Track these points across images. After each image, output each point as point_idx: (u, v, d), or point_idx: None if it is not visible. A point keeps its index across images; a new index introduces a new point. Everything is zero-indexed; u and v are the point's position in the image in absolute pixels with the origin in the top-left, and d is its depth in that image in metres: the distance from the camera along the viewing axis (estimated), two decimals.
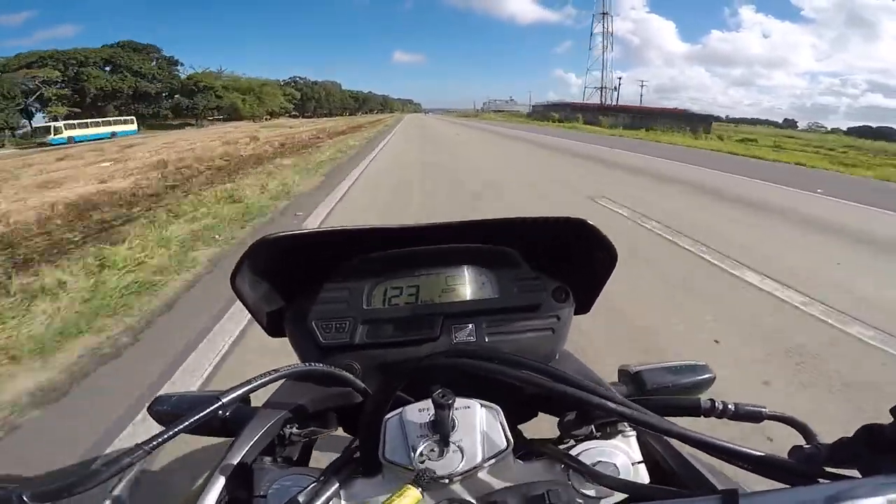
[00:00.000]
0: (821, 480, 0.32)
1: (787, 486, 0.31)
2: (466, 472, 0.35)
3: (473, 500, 0.34)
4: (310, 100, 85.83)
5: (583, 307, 0.60)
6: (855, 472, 0.31)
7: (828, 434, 0.37)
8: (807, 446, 0.36)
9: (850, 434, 0.32)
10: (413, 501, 0.32)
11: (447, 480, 0.35)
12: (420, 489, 0.33)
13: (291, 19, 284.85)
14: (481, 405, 0.39)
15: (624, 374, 0.55)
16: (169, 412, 0.52)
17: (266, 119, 61.77)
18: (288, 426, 0.47)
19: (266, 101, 63.06)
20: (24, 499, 0.30)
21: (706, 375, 0.55)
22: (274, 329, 0.58)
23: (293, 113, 77.74)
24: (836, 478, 0.32)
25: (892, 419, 0.30)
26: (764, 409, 0.41)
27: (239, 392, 0.40)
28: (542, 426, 0.53)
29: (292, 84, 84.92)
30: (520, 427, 0.51)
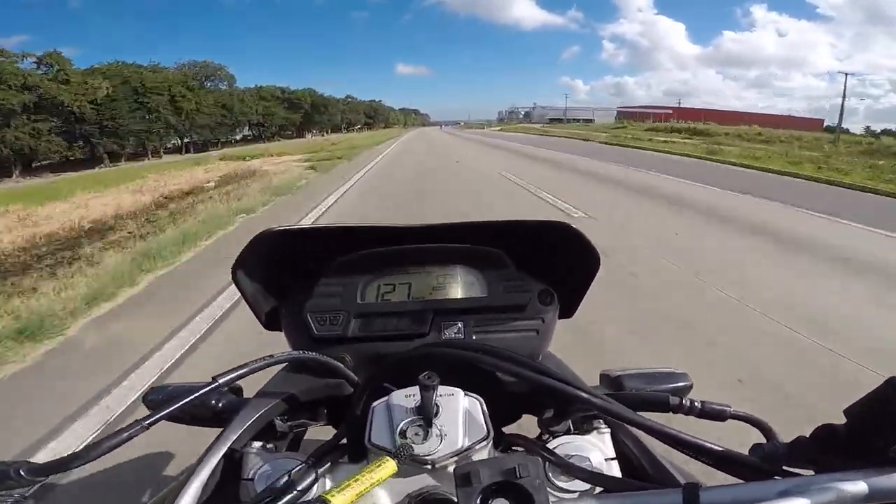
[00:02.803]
0: (777, 477, 0.33)
1: (745, 482, 0.32)
2: (446, 455, 0.36)
3: (451, 490, 0.32)
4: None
5: (567, 311, 0.61)
6: (811, 471, 0.32)
7: None
8: (766, 444, 0.36)
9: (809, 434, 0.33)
10: (389, 472, 0.33)
11: (428, 462, 0.36)
12: (397, 461, 0.34)
13: (289, 34, 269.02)
14: (465, 394, 0.40)
15: (605, 378, 0.56)
16: (163, 401, 0.52)
17: None
18: (278, 417, 0.48)
19: None
20: (22, 472, 0.32)
21: (684, 383, 0.56)
22: (270, 323, 0.60)
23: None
24: (791, 475, 0.33)
25: (845, 420, 0.31)
26: (728, 409, 0.42)
27: (235, 374, 0.42)
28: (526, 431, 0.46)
29: None
30: (503, 429, 0.51)
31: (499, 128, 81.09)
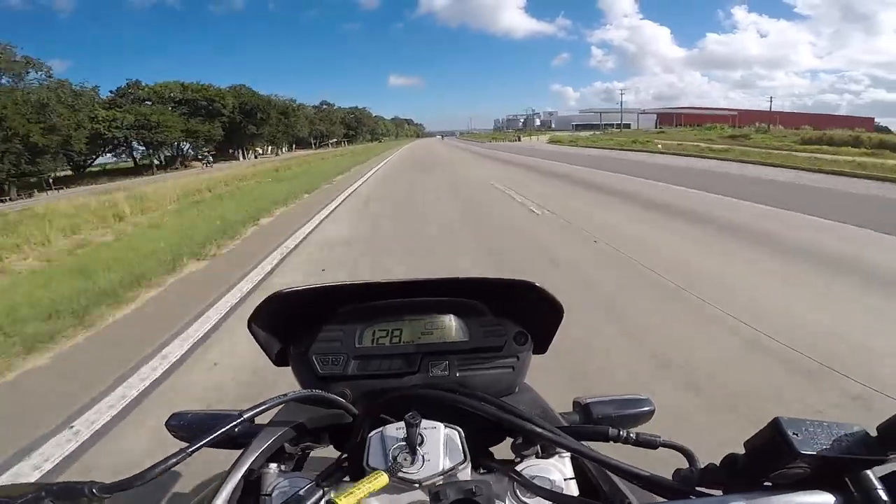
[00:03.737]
0: (692, 497, 0.39)
1: (666, 500, 0.40)
2: (430, 476, 0.43)
3: (429, 500, 0.39)
4: None
5: (541, 348, 0.67)
6: (720, 492, 0.38)
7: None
8: (685, 469, 0.42)
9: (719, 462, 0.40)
10: (382, 483, 0.40)
11: (415, 481, 0.42)
12: (388, 475, 0.41)
13: (284, 47, 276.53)
14: (445, 426, 0.47)
15: (577, 404, 0.63)
16: (185, 427, 0.62)
17: None
18: (288, 442, 0.54)
19: None
20: (94, 490, 0.38)
21: (646, 408, 0.63)
22: (279, 361, 0.66)
23: None
24: (701, 495, 0.39)
25: (745, 451, 0.38)
26: (659, 438, 0.47)
27: (257, 410, 0.48)
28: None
29: None
30: (491, 449, 0.57)
31: (547, 137, 58.43)
